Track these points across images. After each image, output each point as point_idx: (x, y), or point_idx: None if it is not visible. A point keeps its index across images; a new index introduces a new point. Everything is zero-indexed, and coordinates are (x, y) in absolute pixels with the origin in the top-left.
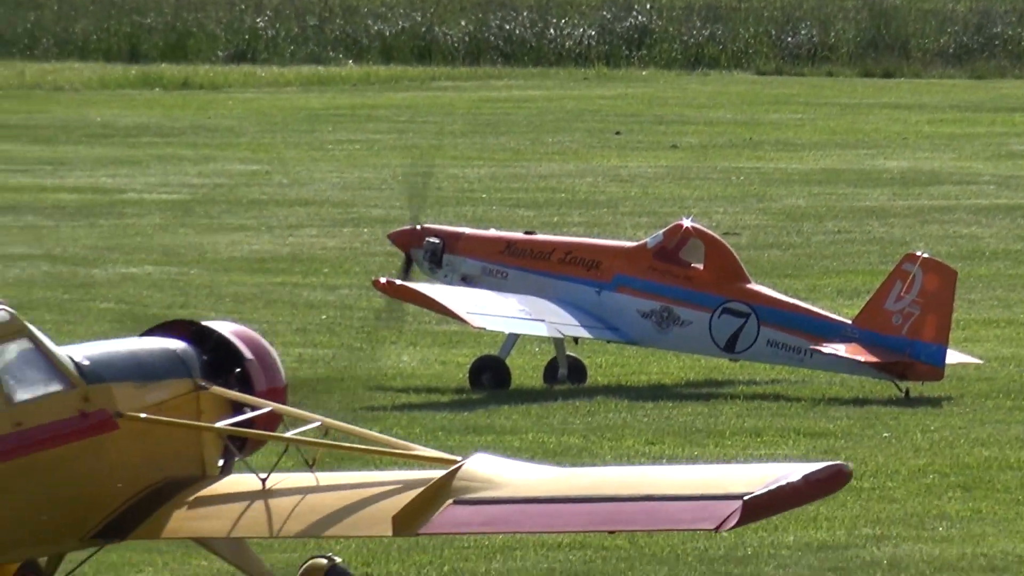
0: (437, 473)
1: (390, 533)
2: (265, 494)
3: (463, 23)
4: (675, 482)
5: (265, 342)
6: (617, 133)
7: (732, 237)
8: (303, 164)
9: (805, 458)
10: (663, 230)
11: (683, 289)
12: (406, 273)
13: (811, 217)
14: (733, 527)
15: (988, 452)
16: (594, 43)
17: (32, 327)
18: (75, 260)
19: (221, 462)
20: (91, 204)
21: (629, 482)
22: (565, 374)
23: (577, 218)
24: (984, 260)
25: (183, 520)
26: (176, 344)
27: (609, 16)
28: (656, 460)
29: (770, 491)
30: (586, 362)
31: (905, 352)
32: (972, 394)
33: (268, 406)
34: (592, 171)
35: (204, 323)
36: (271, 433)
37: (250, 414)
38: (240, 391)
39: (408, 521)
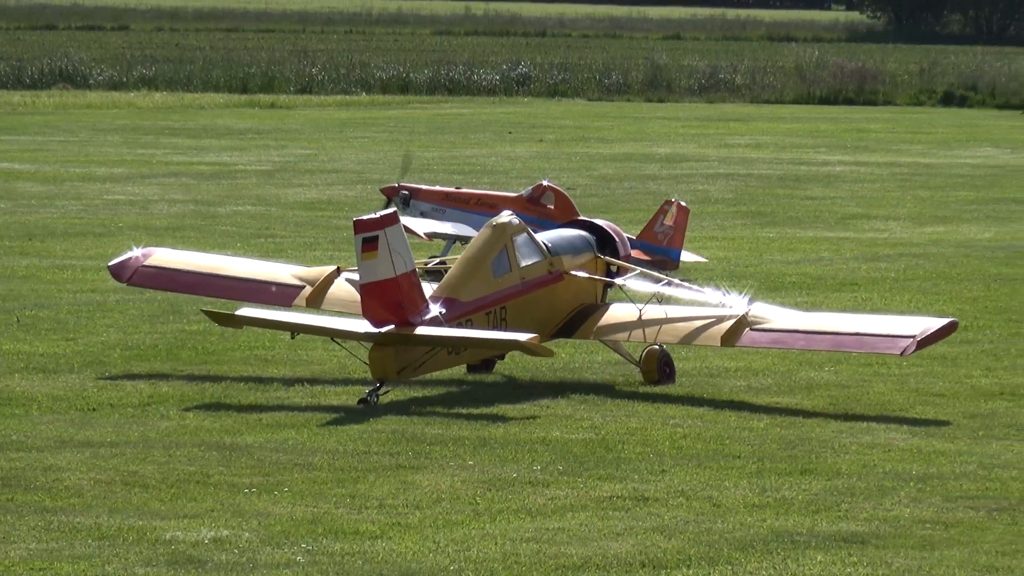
0: (736, 311)
1: (719, 345)
2: (641, 319)
3: (426, 71)
4: (875, 325)
5: (620, 230)
6: (509, 133)
7: (571, 191)
8: (336, 150)
9: None
10: (532, 186)
11: (542, 220)
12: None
13: (615, 180)
14: (911, 353)
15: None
16: (498, 83)
17: (527, 226)
18: (208, 203)
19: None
20: (218, 172)
21: (847, 323)
22: None
23: (485, 180)
24: (711, 204)
25: (598, 331)
26: (584, 232)
27: (507, 68)
28: None
29: (928, 334)
30: None
31: (665, 255)
32: (703, 278)
33: (634, 268)
34: (495, 154)
35: (592, 220)
36: (633, 284)
37: (629, 275)
38: (611, 256)
39: (728, 339)
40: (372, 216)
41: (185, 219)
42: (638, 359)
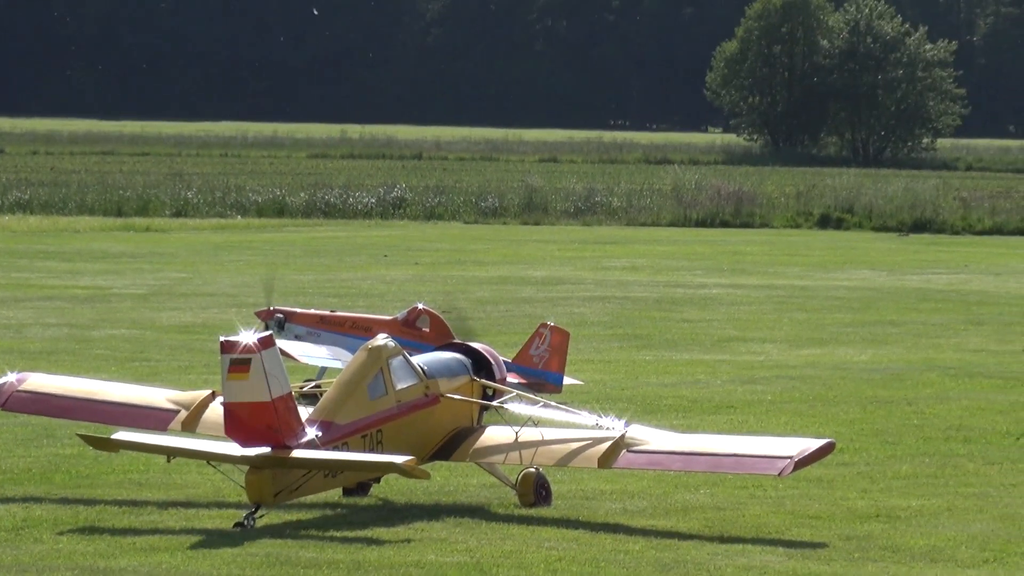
0: (613, 433)
1: (596, 466)
2: (518, 441)
3: (303, 195)
4: (752, 446)
5: (496, 353)
6: (385, 256)
7: (447, 314)
8: (211, 273)
9: None
10: (407, 310)
11: (418, 343)
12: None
13: (491, 303)
14: (789, 474)
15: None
16: (374, 205)
17: (403, 349)
18: (82, 326)
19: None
20: (93, 295)
21: (724, 444)
22: None
23: (361, 303)
24: (587, 327)
25: (475, 453)
26: (460, 356)
27: (383, 191)
28: None
29: (806, 455)
30: None
31: (541, 378)
32: (579, 400)
33: (509, 391)
34: (371, 277)
35: (469, 343)
36: (510, 407)
37: (506, 398)
38: (487, 379)
39: (605, 461)
40: (244, 340)
41: (59, 343)
42: (514, 482)
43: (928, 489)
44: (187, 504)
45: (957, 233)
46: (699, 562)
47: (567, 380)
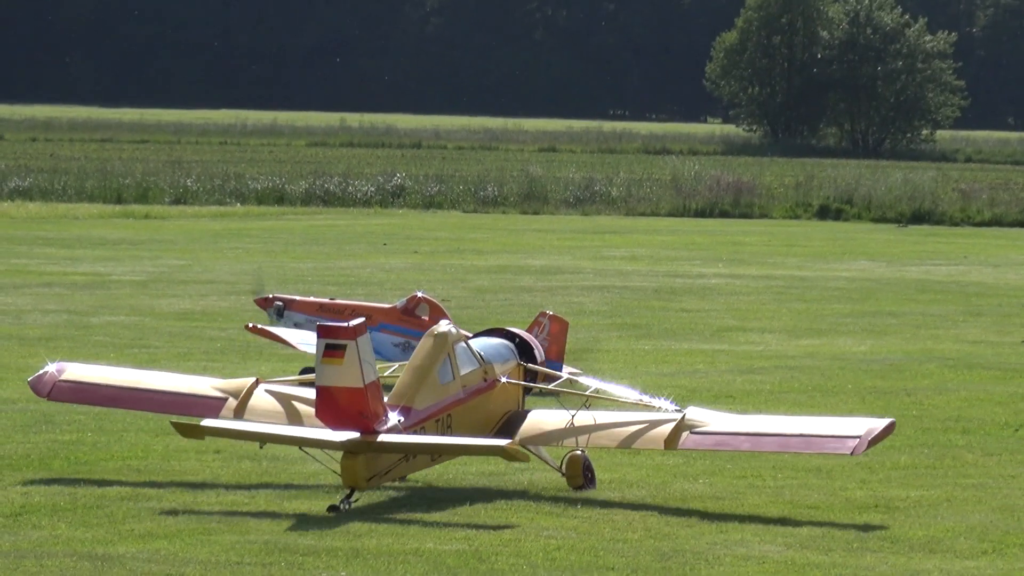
0: (672, 415)
1: (662, 448)
2: (574, 425)
3: (302, 183)
4: (816, 426)
5: (534, 339)
6: (384, 244)
7: (446, 303)
8: (210, 261)
9: None
10: (406, 298)
11: (417, 331)
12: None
13: (490, 291)
14: (861, 452)
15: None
16: (373, 194)
17: (464, 335)
18: (81, 313)
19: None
20: (92, 282)
21: (792, 424)
22: None
23: (360, 291)
24: (586, 316)
25: (532, 437)
26: (507, 342)
27: (382, 179)
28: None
29: (876, 433)
30: None
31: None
32: (580, 388)
33: (560, 375)
34: (370, 265)
35: (511, 329)
36: (556, 388)
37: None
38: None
39: (670, 443)
40: (344, 324)
41: (58, 329)
42: (559, 465)
43: (927, 480)
44: (186, 490)
45: (956, 224)
46: (698, 552)
47: (566, 369)
